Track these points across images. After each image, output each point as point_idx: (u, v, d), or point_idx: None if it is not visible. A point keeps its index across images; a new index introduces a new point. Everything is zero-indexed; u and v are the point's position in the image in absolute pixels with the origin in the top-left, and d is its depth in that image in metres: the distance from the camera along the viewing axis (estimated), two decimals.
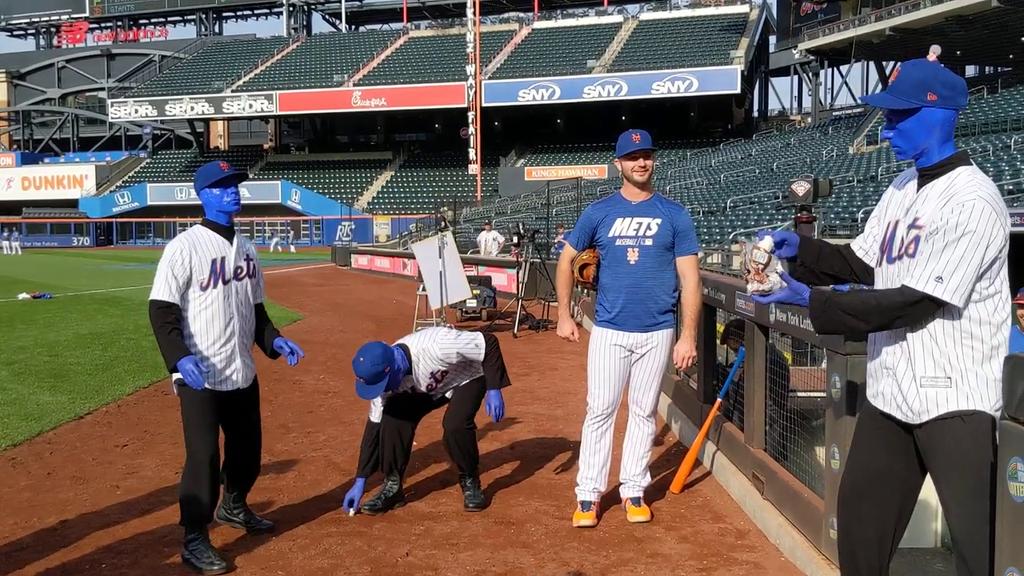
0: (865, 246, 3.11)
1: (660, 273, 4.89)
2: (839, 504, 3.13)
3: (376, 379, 4.85)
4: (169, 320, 4.29)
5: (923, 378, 2.80)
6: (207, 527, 4.50)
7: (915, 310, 2.73)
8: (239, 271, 4.57)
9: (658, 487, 5.57)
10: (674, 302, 5.01)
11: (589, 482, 5.09)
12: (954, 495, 2.78)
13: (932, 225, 2.74)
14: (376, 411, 5.28)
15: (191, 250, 4.39)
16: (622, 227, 4.88)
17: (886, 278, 2.93)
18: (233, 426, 4.72)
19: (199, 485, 4.39)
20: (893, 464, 2.95)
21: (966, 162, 2.84)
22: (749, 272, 2.93)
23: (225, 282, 4.49)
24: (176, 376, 4.32)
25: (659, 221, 4.87)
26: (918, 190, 2.89)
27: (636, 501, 5.12)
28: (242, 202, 4.62)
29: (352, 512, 5.16)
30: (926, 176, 2.87)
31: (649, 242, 4.85)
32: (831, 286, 3.17)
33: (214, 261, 4.45)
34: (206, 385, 4.34)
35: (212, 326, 4.45)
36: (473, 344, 5.21)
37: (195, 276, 4.38)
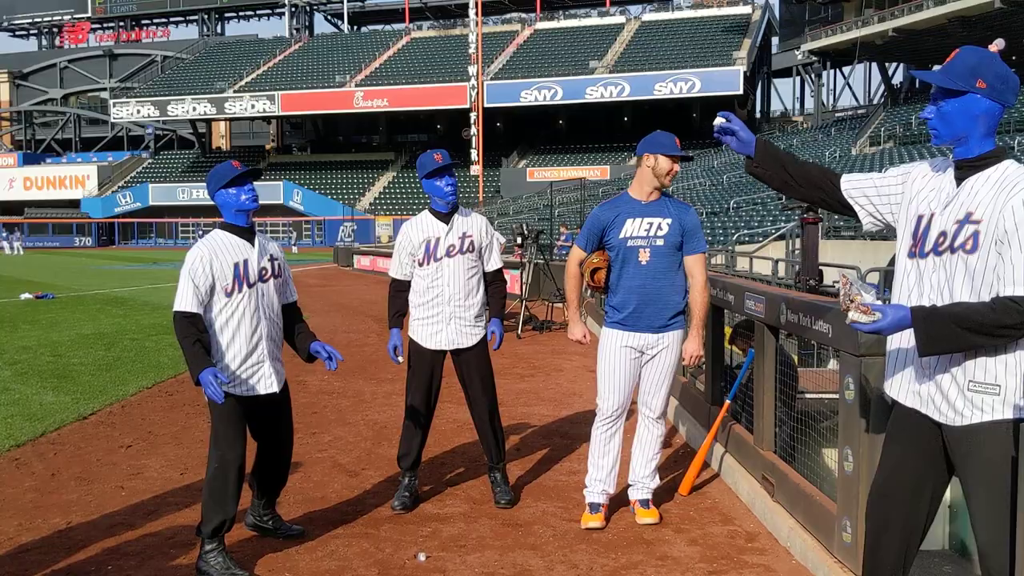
0: (857, 189, 3.09)
1: (671, 274, 4.87)
2: (868, 507, 3.07)
3: (449, 165, 5.08)
4: (192, 332, 4.14)
5: (972, 383, 2.72)
6: (224, 536, 4.38)
7: None
8: (263, 272, 4.44)
9: (666, 489, 5.53)
10: (685, 303, 4.98)
11: (598, 484, 5.05)
12: (985, 502, 2.72)
13: (1004, 219, 2.62)
14: (398, 267, 5.34)
15: (211, 256, 4.26)
16: (633, 228, 4.84)
17: (922, 272, 2.83)
18: (265, 431, 4.59)
19: (226, 494, 4.26)
20: (923, 468, 2.90)
21: (1008, 156, 2.78)
22: (850, 305, 2.75)
23: (250, 285, 4.36)
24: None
25: (669, 221, 4.84)
26: (958, 183, 2.80)
27: (645, 503, 5.09)
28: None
29: (401, 359, 5.28)
30: (967, 168, 2.78)
31: (660, 242, 4.82)
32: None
33: (236, 265, 4.31)
34: (237, 392, 4.28)
35: (239, 332, 4.33)
36: (500, 255, 5.39)
37: (218, 283, 4.26)
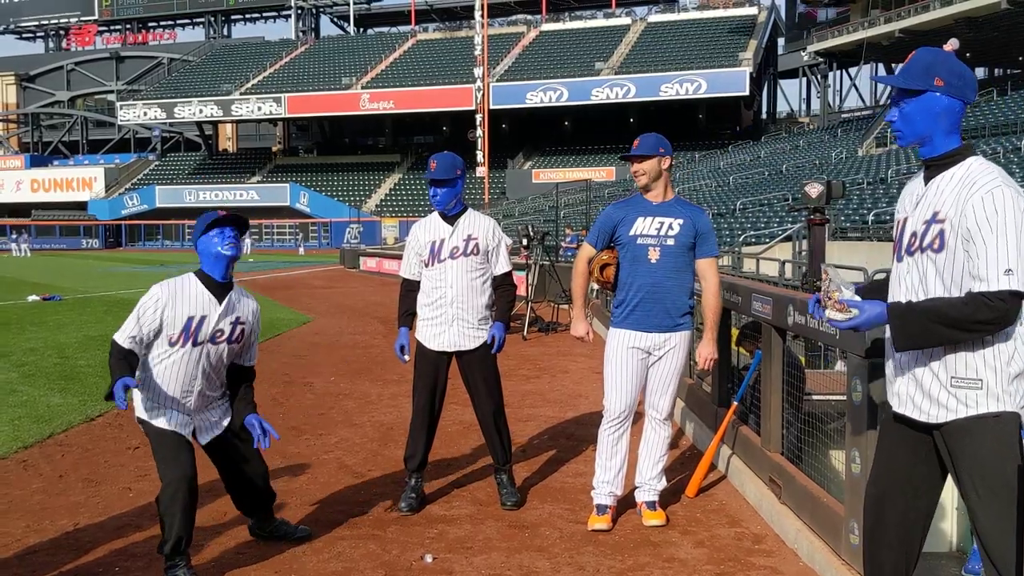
0: None
1: (680, 274, 4.88)
2: (864, 510, 3.09)
3: (450, 170, 5.11)
4: (123, 356, 4.00)
5: (954, 379, 2.74)
6: (189, 552, 4.28)
7: (1008, 318, 2.64)
8: (218, 335, 4.23)
9: (673, 491, 5.52)
10: (692, 305, 4.98)
11: (605, 486, 5.04)
12: (982, 497, 2.73)
13: (966, 218, 2.67)
14: (407, 267, 5.36)
15: (169, 301, 4.11)
16: (644, 226, 4.86)
17: (900, 274, 2.88)
18: (223, 466, 4.48)
19: (175, 512, 4.11)
20: (915, 468, 2.91)
21: (974, 153, 2.81)
22: (827, 302, 2.83)
23: (195, 344, 4.17)
24: (137, 415, 4.17)
25: (681, 222, 4.86)
26: (926, 183, 2.85)
27: (651, 505, 5.09)
28: (247, 226, 4.34)
29: (407, 359, 5.29)
30: (933, 168, 2.83)
31: (671, 242, 4.84)
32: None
33: (190, 319, 4.13)
34: (168, 427, 4.17)
35: (173, 380, 4.18)
36: (508, 259, 5.44)
37: (165, 329, 4.11)
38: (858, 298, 2.80)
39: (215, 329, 4.21)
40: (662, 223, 4.85)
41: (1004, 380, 2.71)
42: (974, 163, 2.77)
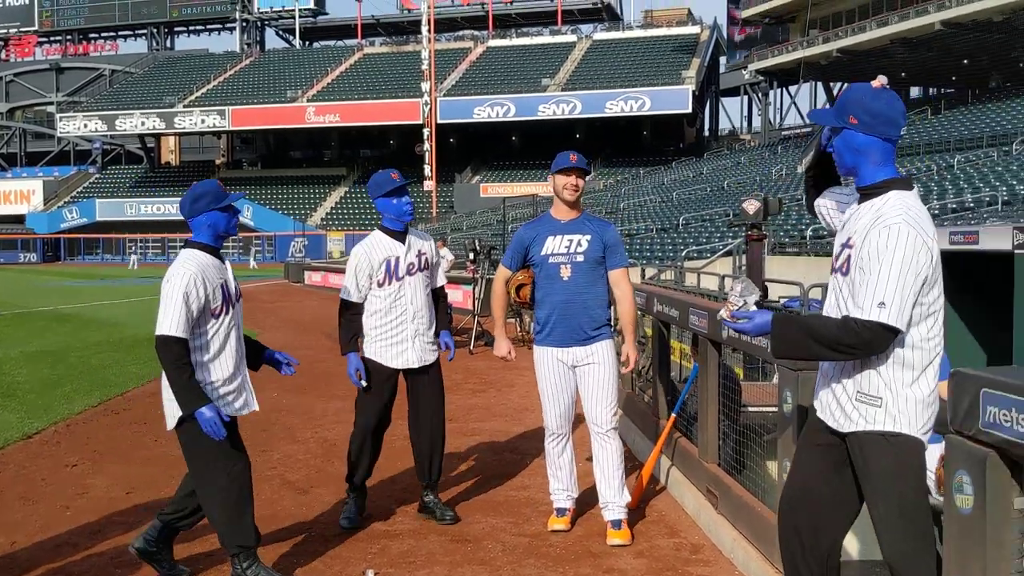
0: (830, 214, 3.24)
1: (593, 288, 5.03)
2: (779, 514, 3.20)
3: (406, 184, 5.21)
4: (185, 360, 4.02)
5: (858, 393, 2.89)
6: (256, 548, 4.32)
7: (872, 347, 2.78)
8: (238, 293, 4.40)
9: None
10: (608, 316, 5.14)
11: (561, 492, 5.22)
12: (879, 513, 2.87)
13: (862, 248, 2.81)
14: (354, 290, 5.23)
15: (203, 279, 4.10)
16: (553, 245, 5.02)
17: (831, 288, 3.03)
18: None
19: (239, 505, 4.19)
20: (829, 474, 3.01)
21: (901, 186, 2.89)
22: (725, 307, 3.08)
23: (233, 305, 4.29)
24: (180, 414, 4.07)
25: (589, 237, 5.02)
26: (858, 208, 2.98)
27: (616, 524, 5.05)
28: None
29: (364, 383, 5.20)
30: (863, 196, 2.95)
31: (581, 258, 5.00)
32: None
33: (222, 286, 4.22)
34: (226, 412, 4.18)
35: (224, 353, 4.21)
36: (443, 272, 5.62)
37: (210, 303, 4.13)
38: (754, 308, 2.99)
39: (235, 288, 4.36)
40: (571, 240, 5.00)
41: (901, 401, 2.83)
42: (892, 197, 2.86)
